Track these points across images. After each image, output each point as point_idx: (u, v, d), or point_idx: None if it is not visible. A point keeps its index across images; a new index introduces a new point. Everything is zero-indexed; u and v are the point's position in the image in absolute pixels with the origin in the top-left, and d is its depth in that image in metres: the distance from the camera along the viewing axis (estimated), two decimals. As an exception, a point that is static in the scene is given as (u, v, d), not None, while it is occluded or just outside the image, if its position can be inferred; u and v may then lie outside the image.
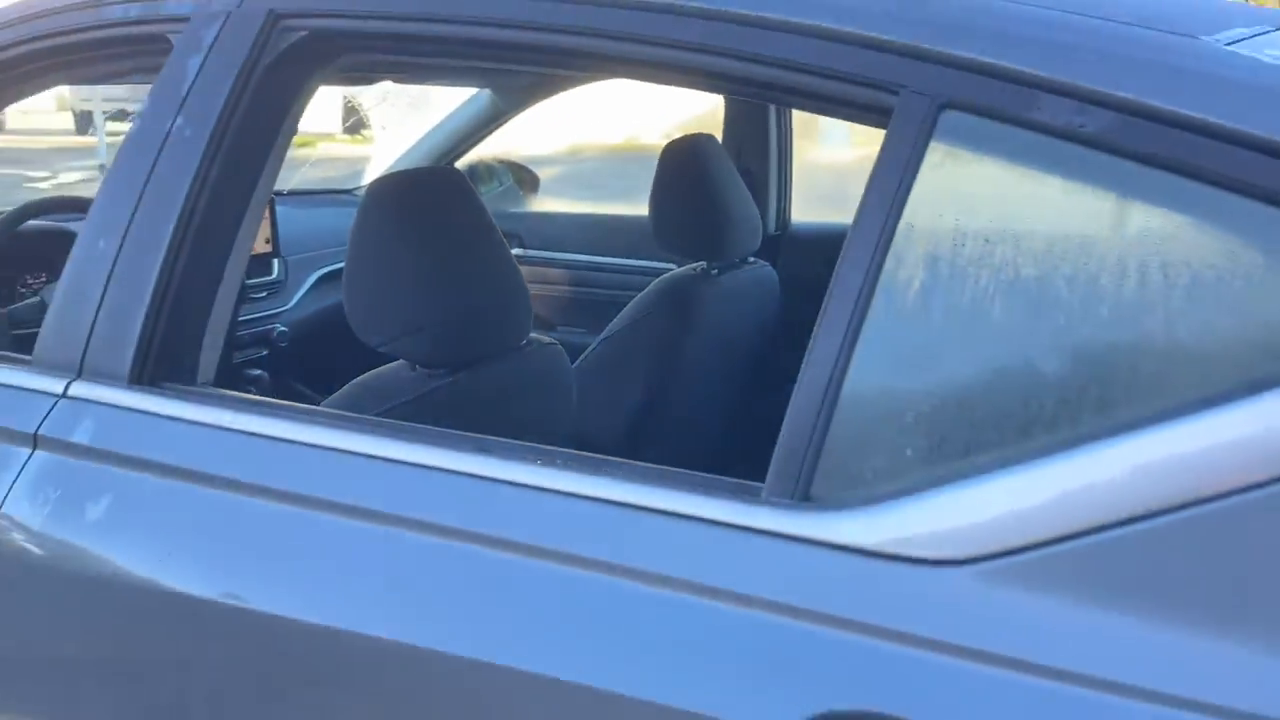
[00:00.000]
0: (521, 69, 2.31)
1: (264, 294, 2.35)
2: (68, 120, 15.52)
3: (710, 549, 0.70)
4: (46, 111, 15.00)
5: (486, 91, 2.76)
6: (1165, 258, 0.64)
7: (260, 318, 2.34)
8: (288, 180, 3.55)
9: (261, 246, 2.31)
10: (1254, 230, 0.61)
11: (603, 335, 1.84)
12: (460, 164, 2.98)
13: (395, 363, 1.29)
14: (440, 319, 1.23)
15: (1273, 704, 0.54)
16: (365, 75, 2.11)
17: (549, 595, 0.74)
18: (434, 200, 1.31)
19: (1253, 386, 0.57)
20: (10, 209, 1.99)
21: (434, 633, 0.76)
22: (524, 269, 2.69)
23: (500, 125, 2.83)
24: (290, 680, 0.84)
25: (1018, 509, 0.62)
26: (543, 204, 3.29)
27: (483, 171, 3.16)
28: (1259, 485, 0.56)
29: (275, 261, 2.36)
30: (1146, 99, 0.65)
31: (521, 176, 3.23)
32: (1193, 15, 0.76)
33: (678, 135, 1.94)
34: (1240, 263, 0.61)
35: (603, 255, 2.68)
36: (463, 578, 0.78)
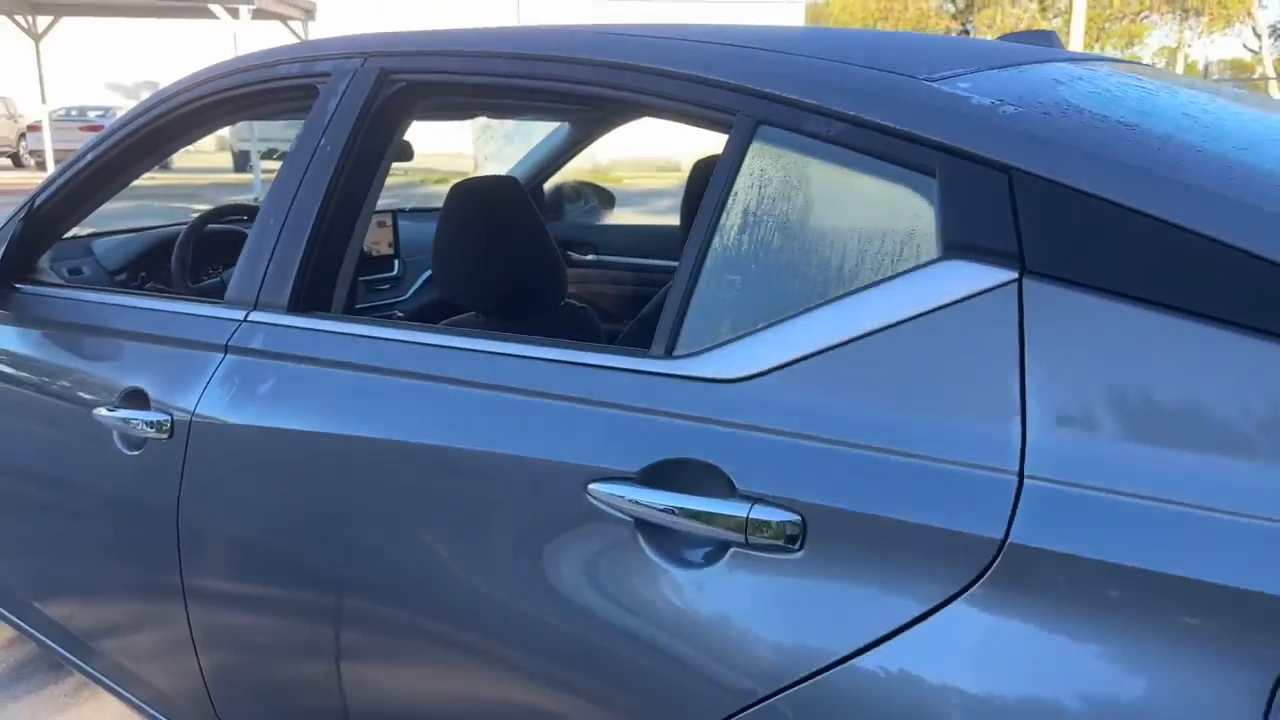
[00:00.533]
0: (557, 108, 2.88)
1: (386, 286, 2.99)
2: (227, 159, 17.03)
3: (613, 381, 1.19)
4: (208, 152, 16.49)
5: (566, 124, 3.32)
6: (864, 205, 1.10)
7: (383, 305, 2.96)
8: (408, 201, 4.21)
9: (385, 250, 2.94)
10: (918, 189, 1.07)
11: (638, 315, 2.33)
12: (549, 185, 3.54)
13: (468, 313, 1.83)
14: (496, 281, 1.76)
15: (921, 441, 0.97)
16: (455, 112, 2.78)
17: (529, 414, 1.24)
18: (493, 199, 1.84)
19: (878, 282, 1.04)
20: (194, 218, 2.64)
21: (465, 437, 1.27)
22: (599, 272, 3.23)
23: (578, 151, 3.38)
24: (396, 480, 1.35)
25: (776, 350, 1.09)
26: (615, 218, 3.82)
27: (569, 192, 3.71)
28: (889, 327, 1.02)
29: (396, 262, 2.98)
30: (863, 114, 1.12)
31: (601, 196, 3.77)
32: (916, 60, 1.22)
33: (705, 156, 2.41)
34: (903, 213, 1.07)
35: (656, 259, 3.19)
36: (479, 407, 1.29)
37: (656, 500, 1.09)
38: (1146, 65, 1.82)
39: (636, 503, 1.10)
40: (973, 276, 0.98)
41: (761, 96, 1.20)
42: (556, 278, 1.87)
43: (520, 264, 1.80)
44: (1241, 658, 0.80)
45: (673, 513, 1.08)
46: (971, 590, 0.92)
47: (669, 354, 1.18)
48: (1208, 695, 0.80)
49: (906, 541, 0.95)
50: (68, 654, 2.02)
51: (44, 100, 20.09)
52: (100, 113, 23.65)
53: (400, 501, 1.34)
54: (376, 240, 2.90)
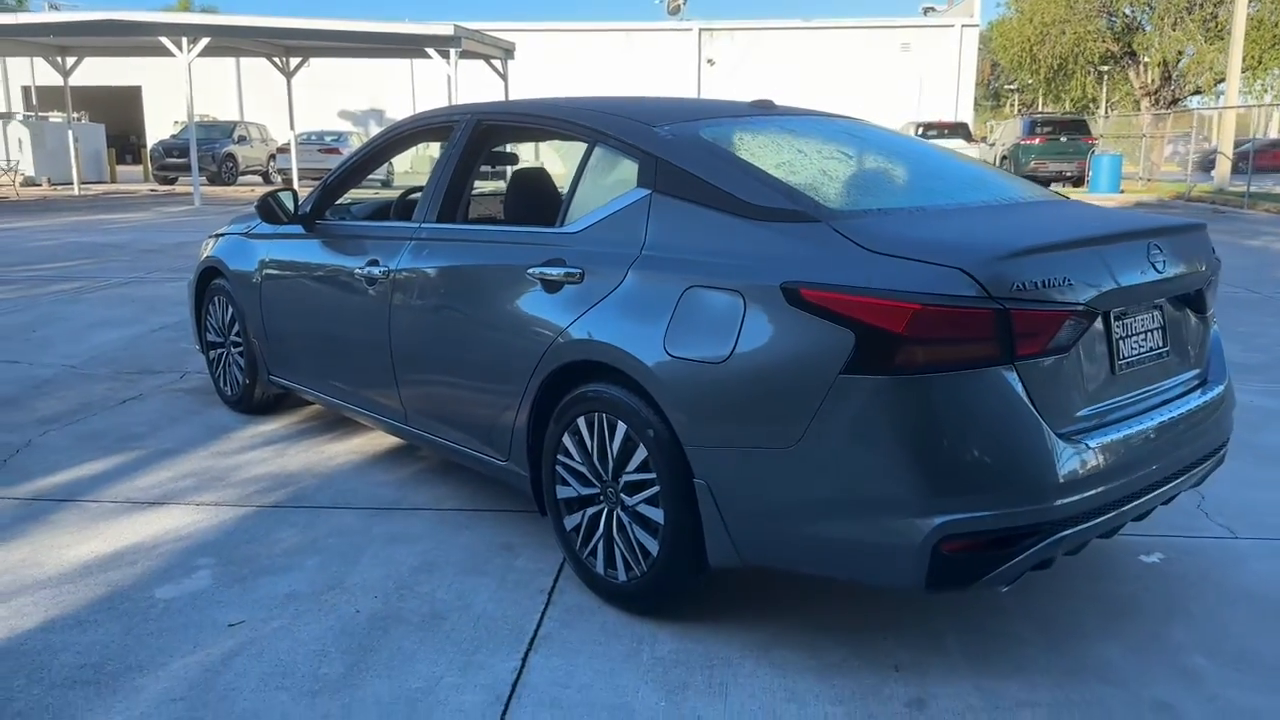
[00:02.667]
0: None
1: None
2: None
3: (544, 235, 3.23)
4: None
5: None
6: (621, 173, 3.10)
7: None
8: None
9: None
10: (634, 166, 3.03)
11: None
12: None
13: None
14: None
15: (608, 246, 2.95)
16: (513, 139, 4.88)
17: (517, 245, 3.28)
18: (529, 177, 3.91)
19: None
20: (401, 193, 4.84)
21: (483, 259, 3.33)
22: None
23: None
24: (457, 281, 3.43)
25: (586, 223, 3.11)
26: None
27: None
28: (617, 212, 3.01)
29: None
30: (622, 137, 3.10)
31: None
32: (664, 112, 3.19)
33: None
34: (629, 176, 3.04)
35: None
36: (489, 247, 3.35)
37: (549, 272, 3.10)
38: (829, 121, 3.65)
39: (543, 274, 3.12)
40: (642, 194, 2.97)
41: (591, 128, 3.20)
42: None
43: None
44: None
45: (548, 271, 3.09)
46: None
47: (558, 224, 3.20)
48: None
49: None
50: (338, 401, 4.22)
51: (292, 127, 23.96)
52: (335, 137, 27.59)
53: (450, 288, 3.41)
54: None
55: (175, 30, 17.95)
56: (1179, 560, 3.32)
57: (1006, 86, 59.03)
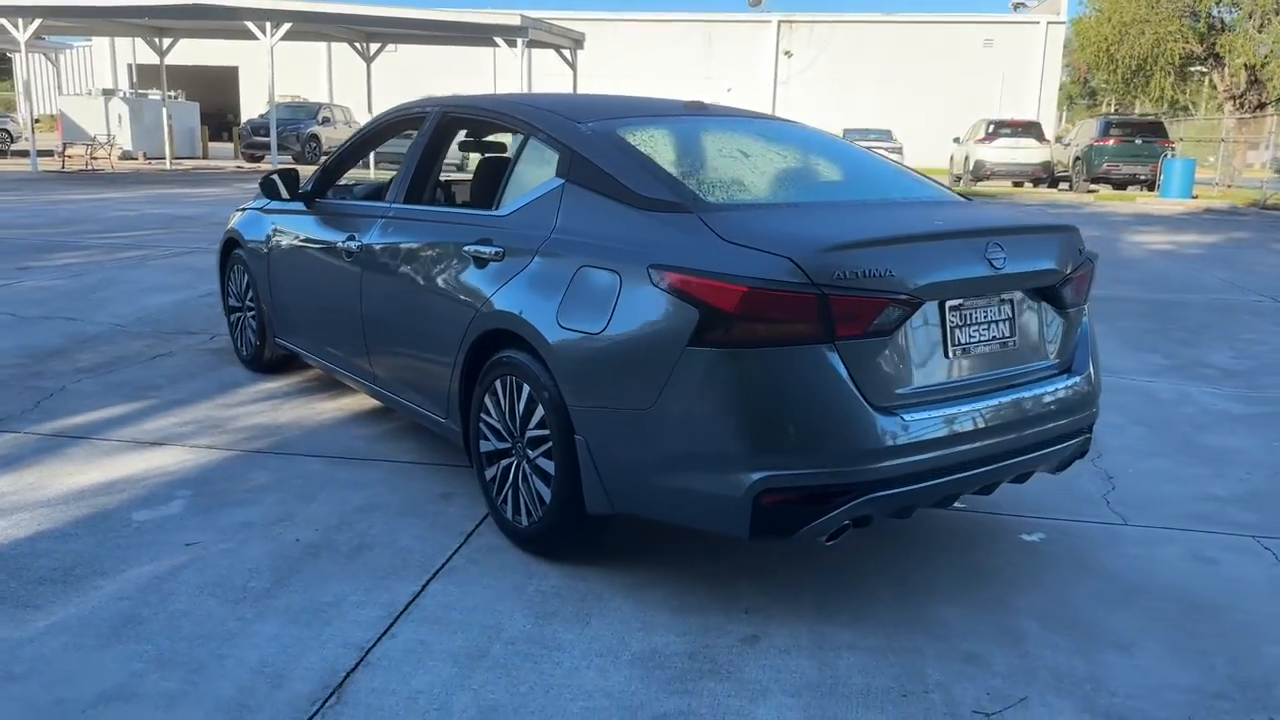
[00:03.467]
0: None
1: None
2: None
3: (479, 216, 3.61)
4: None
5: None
6: (542, 163, 3.46)
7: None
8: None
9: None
10: (553, 156, 3.38)
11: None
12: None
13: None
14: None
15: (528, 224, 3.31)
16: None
17: (454, 225, 3.66)
18: (488, 165, 4.29)
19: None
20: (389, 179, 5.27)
21: (425, 237, 3.72)
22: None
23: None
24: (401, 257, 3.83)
25: (514, 207, 3.48)
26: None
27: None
28: (537, 199, 3.38)
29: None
30: (550, 132, 3.45)
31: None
32: (591, 109, 3.53)
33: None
34: (549, 166, 3.39)
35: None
36: (431, 226, 3.73)
37: (480, 249, 3.49)
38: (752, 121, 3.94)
39: (476, 251, 3.51)
40: (558, 183, 3.32)
41: (527, 122, 3.56)
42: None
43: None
44: None
45: (479, 249, 3.48)
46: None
47: (493, 208, 3.57)
48: None
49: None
50: (327, 364, 4.67)
51: (370, 110, 24.81)
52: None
53: (406, 262, 3.82)
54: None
55: (260, 15, 18.84)
56: (1058, 540, 3.56)
57: (1103, 85, 57.51)
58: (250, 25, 18.98)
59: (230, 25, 20.17)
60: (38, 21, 20.18)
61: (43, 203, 15.68)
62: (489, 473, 3.42)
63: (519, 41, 18.35)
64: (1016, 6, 47.97)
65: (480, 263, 3.43)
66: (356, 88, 40.13)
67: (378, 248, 4.05)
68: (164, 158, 27.57)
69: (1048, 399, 3.08)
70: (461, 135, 4.51)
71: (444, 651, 2.68)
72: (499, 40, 18.65)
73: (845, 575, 3.22)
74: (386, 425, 4.64)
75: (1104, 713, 2.51)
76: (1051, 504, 3.88)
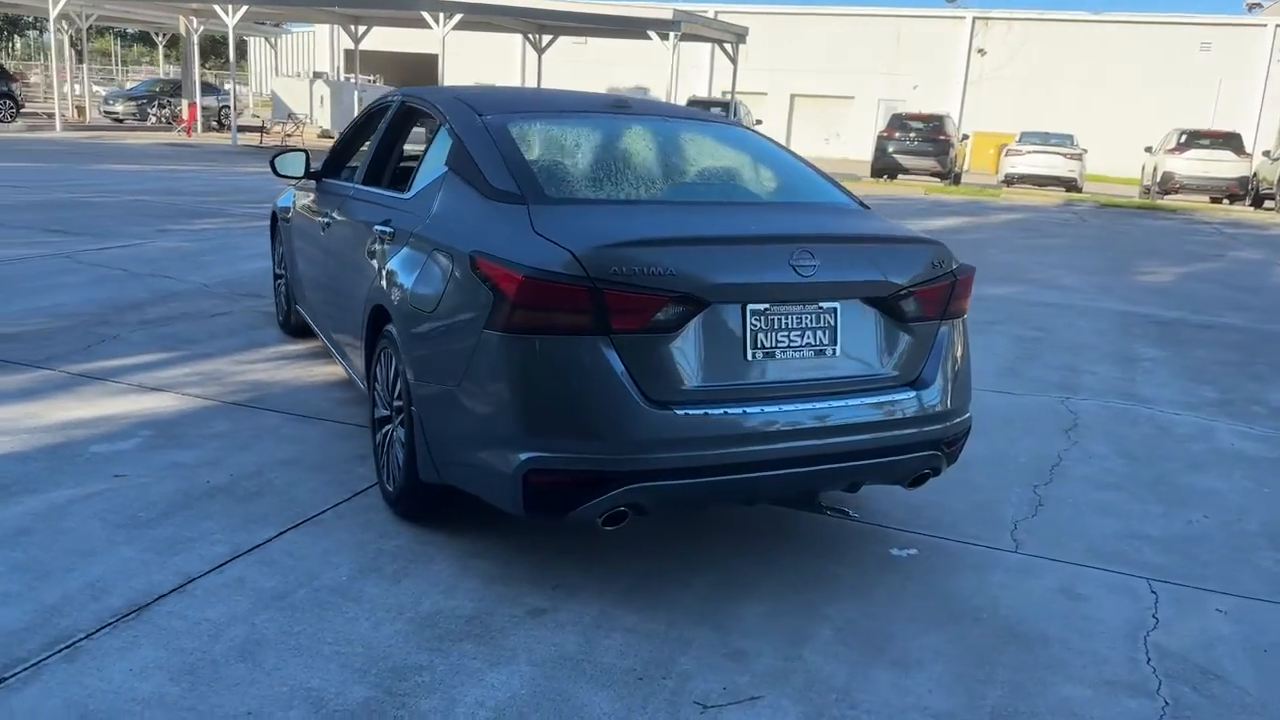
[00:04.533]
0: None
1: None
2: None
3: (391, 199, 3.87)
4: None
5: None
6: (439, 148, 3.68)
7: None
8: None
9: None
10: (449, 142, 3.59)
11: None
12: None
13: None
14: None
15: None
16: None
17: (369, 206, 3.94)
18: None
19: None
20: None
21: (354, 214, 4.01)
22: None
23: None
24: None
25: (418, 189, 3.73)
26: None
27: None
28: (433, 181, 3.60)
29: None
30: (453, 125, 3.66)
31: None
32: (501, 101, 3.72)
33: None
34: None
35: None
36: (360, 204, 4.02)
37: (382, 229, 3.75)
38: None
39: (380, 230, 3.76)
40: (443, 170, 3.55)
41: (440, 112, 3.78)
42: None
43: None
44: None
45: (382, 228, 3.73)
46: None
47: (404, 190, 3.82)
48: None
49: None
50: (316, 330, 5.07)
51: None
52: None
53: (348, 237, 4.12)
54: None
55: (434, 6, 19.96)
56: (925, 558, 3.48)
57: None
58: (426, 15, 20.14)
59: (409, 15, 21.46)
60: (245, 8, 22.16)
61: (223, 173, 17.26)
62: (377, 437, 3.69)
63: (671, 35, 18.61)
64: (1251, 7, 44.06)
65: (381, 241, 3.70)
66: (549, 78, 41.61)
67: (335, 224, 4.41)
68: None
69: (877, 410, 3.04)
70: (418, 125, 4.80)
71: (254, 590, 2.97)
72: (652, 34, 18.99)
73: (674, 564, 3.29)
74: (361, 390, 5.01)
75: (825, 722, 2.51)
76: (949, 523, 3.78)
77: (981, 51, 38.50)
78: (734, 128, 4.10)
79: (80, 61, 34.06)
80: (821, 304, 2.98)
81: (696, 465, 2.81)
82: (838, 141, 40.53)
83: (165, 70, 44.64)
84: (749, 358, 2.89)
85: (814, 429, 2.94)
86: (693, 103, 27.29)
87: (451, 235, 3.17)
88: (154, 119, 30.98)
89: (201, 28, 27.66)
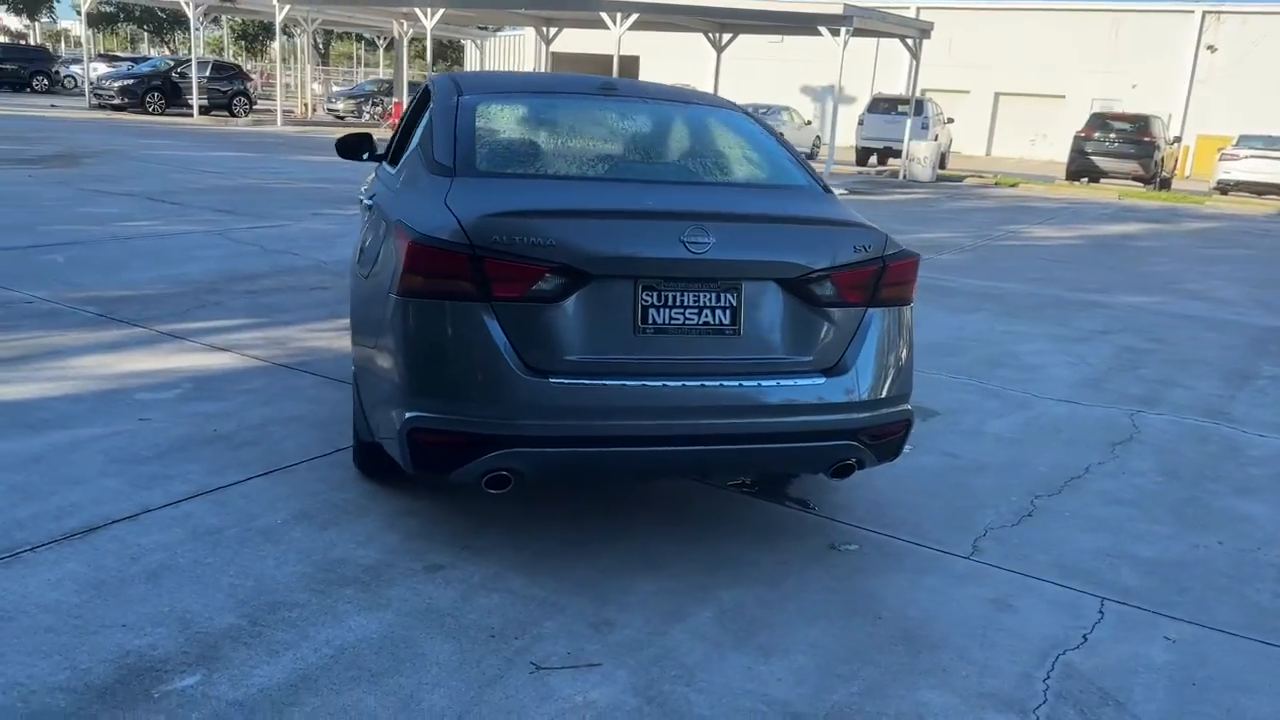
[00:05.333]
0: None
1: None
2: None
3: (382, 172, 4.08)
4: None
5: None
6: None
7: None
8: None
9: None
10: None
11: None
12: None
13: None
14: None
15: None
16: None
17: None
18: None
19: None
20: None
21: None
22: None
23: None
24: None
25: (397, 162, 3.91)
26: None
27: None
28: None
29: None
30: (434, 93, 3.83)
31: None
32: (494, 85, 3.85)
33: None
34: None
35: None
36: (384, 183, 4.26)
37: (369, 200, 3.95)
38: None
39: (367, 203, 3.98)
40: (416, 146, 3.69)
41: (432, 93, 3.95)
42: None
43: None
44: None
45: (369, 201, 3.95)
46: None
47: (392, 164, 4.01)
48: None
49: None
50: None
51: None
52: (764, 110, 29.02)
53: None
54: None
55: (611, 7, 20.46)
56: (862, 556, 3.36)
57: None
58: (604, 16, 20.67)
59: (588, 16, 22.09)
60: (441, 10, 23.47)
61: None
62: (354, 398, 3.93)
63: (842, 30, 18.23)
64: None
65: (367, 213, 3.93)
66: (749, 78, 41.76)
67: (371, 204, 4.69)
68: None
69: (780, 395, 2.97)
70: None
71: (194, 524, 3.25)
72: (822, 29, 18.66)
73: (594, 538, 3.33)
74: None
75: (648, 693, 2.50)
76: (913, 523, 3.62)
77: (1211, 48, 35.37)
78: (719, 111, 4.04)
79: (324, 64, 37.09)
80: (721, 283, 2.94)
81: (574, 435, 2.85)
82: (1044, 143, 38.33)
83: (388, 72, 47.92)
84: (639, 333, 2.90)
85: (704, 408, 2.92)
86: (877, 100, 26.59)
87: (392, 206, 3.34)
88: (368, 115, 33.31)
89: (411, 30, 29.43)
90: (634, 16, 20.26)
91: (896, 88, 37.76)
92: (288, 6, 25.94)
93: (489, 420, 2.82)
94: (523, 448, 2.84)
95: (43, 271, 6.82)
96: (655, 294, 2.90)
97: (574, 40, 33.32)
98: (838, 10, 17.67)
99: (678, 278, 2.90)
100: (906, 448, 3.45)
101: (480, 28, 36.81)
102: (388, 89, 34.96)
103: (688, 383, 2.91)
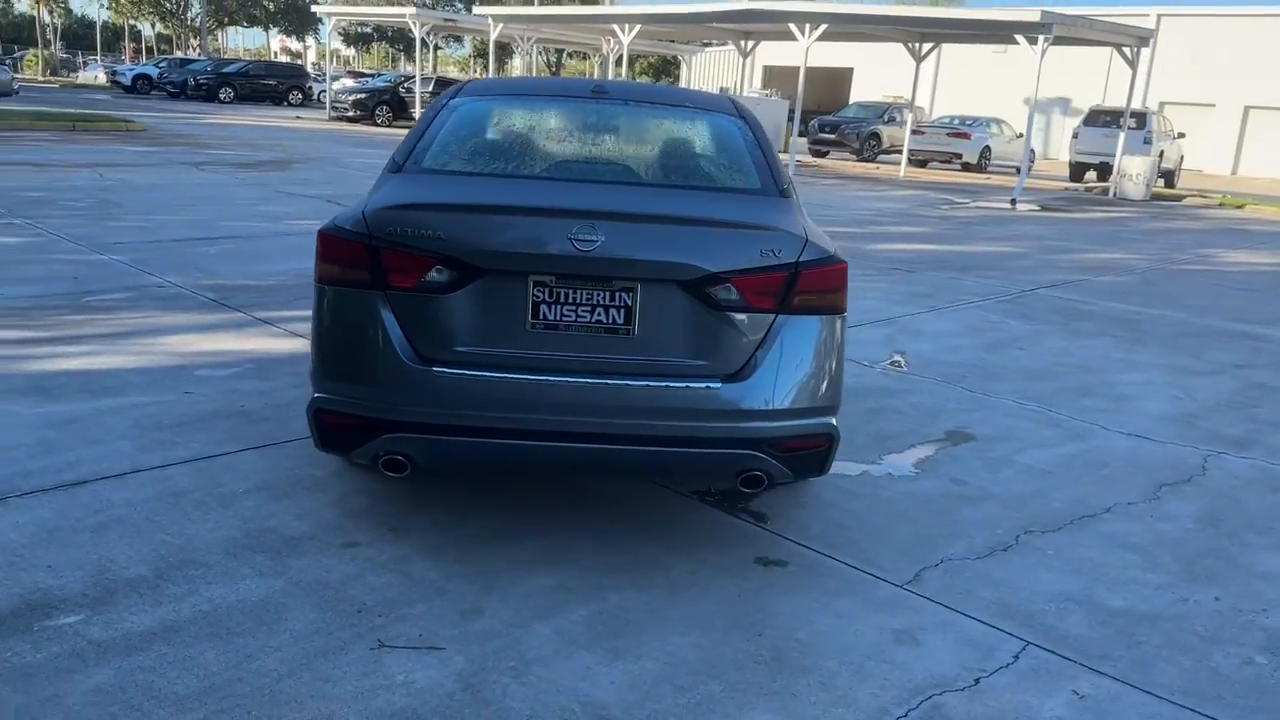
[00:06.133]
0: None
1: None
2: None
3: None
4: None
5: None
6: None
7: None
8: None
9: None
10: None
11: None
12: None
13: None
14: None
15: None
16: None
17: None
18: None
19: None
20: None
21: None
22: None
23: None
24: None
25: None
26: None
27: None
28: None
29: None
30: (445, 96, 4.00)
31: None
32: (501, 89, 4.00)
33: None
34: None
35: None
36: None
37: None
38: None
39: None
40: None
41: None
42: None
43: None
44: None
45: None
46: None
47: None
48: None
49: None
50: None
51: (912, 108, 25.01)
52: (969, 122, 27.83)
53: None
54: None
55: (800, 18, 20.27)
56: (787, 573, 3.23)
57: None
58: (792, 28, 20.50)
59: (775, 28, 21.93)
60: (638, 27, 24.05)
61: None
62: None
63: (1040, 39, 17.18)
64: None
65: None
66: (968, 88, 40.14)
67: None
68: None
69: (677, 399, 2.92)
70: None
71: (166, 487, 3.55)
72: (1019, 38, 17.66)
73: (524, 530, 3.37)
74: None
75: (471, 681, 2.53)
76: (863, 546, 3.44)
77: None
78: (701, 114, 3.97)
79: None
80: (616, 283, 2.92)
81: (460, 425, 2.92)
82: (1302, 163, 34.60)
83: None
84: (530, 329, 2.93)
85: (593, 407, 2.91)
86: (1096, 112, 24.91)
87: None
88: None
89: (618, 47, 30.37)
90: (822, 27, 19.99)
91: (1096, 98, 35.12)
92: (500, 25, 27.40)
93: (380, 405, 2.95)
94: (410, 434, 2.94)
95: (191, 261, 7.60)
96: (547, 290, 2.93)
97: (781, 53, 33.13)
98: (1035, 18, 16.71)
99: (569, 275, 2.92)
100: (887, 466, 3.29)
101: (685, 43, 37.38)
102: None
103: (578, 380, 2.92)
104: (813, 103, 36.35)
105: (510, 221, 2.96)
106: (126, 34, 65.16)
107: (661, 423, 2.94)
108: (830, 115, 31.11)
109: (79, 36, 70.99)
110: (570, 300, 2.94)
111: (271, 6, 67.79)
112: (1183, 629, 3.05)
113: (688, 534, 3.48)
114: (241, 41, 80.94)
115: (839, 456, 3.34)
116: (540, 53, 35.23)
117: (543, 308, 2.94)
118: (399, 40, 71.80)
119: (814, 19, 19.98)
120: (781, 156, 33.48)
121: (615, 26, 24.31)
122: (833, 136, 29.46)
